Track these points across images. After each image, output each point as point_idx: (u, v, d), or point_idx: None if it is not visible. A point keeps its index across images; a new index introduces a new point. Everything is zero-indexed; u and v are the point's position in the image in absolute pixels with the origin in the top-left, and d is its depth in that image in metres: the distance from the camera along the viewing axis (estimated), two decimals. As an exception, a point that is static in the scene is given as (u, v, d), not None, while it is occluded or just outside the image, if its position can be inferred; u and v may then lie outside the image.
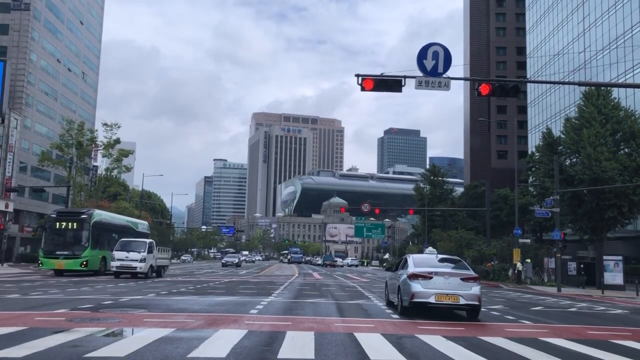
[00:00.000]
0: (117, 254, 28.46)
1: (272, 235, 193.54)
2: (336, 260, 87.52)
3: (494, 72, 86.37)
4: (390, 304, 15.84)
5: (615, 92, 42.10)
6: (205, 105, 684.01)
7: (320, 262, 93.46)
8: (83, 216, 31.44)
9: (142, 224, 42.97)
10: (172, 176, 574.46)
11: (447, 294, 12.55)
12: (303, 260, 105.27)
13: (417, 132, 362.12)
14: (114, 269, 28.62)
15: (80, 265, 30.12)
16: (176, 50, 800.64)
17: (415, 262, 13.88)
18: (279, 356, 7.52)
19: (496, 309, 16.79)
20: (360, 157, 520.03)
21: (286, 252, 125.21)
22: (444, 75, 15.50)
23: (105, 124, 47.10)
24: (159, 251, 31.87)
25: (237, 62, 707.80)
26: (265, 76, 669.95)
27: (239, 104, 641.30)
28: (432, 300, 12.54)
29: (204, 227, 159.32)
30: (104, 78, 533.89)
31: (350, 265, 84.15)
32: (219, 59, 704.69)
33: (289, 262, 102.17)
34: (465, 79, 26.79)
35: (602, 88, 39.30)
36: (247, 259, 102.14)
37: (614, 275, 32.65)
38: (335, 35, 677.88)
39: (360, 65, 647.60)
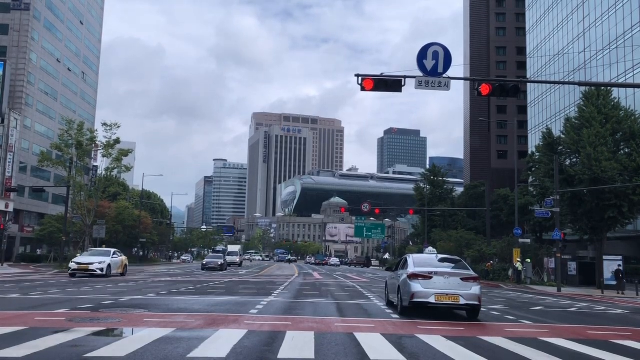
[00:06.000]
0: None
1: (272, 235, 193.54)
2: (325, 259, 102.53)
3: (494, 72, 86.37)
4: (390, 304, 15.84)
5: (615, 92, 42.08)
6: (209, 105, 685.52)
7: (313, 260, 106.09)
8: None
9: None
10: (173, 176, 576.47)
11: (447, 294, 12.55)
12: (286, 259, 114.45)
13: (417, 132, 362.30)
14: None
15: None
16: (180, 48, 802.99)
17: (415, 262, 13.88)
18: (279, 356, 7.52)
19: (496, 309, 16.79)
20: (361, 157, 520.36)
21: (252, 251, 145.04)
22: (444, 75, 15.49)
23: (105, 124, 47.09)
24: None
25: (241, 61, 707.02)
26: (269, 75, 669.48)
27: (242, 104, 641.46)
28: (432, 300, 12.54)
29: (204, 227, 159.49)
30: (109, 77, 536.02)
31: (335, 265, 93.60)
32: (223, 57, 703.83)
33: (289, 262, 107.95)
34: (465, 79, 26.80)
35: (602, 88, 39.27)
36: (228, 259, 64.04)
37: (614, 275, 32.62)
38: (341, 34, 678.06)
39: (365, 64, 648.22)
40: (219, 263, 46.71)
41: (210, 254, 61.65)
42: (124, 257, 32.36)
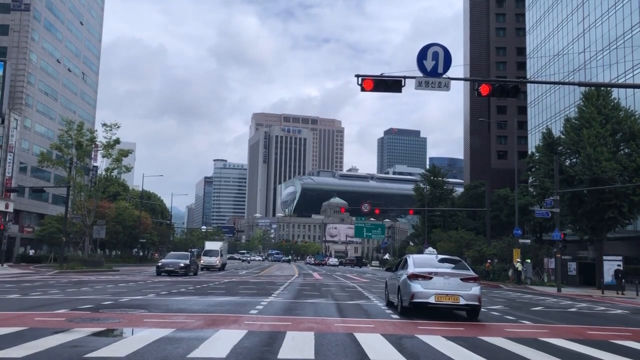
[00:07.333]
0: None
1: (272, 236, 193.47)
2: (324, 259, 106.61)
3: (494, 72, 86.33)
4: (390, 304, 15.84)
5: (615, 93, 42.07)
6: (210, 105, 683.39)
7: (313, 261, 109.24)
8: None
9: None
10: (173, 176, 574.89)
11: (447, 294, 12.55)
12: (282, 260, 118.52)
13: (417, 133, 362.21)
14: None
15: None
16: (181, 48, 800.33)
17: (415, 262, 13.88)
18: (279, 356, 7.52)
19: (496, 309, 16.79)
20: (361, 157, 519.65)
21: (244, 251, 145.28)
22: (444, 76, 15.48)
23: (105, 124, 47.10)
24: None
25: (243, 61, 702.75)
26: (270, 75, 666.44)
27: (243, 104, 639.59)
28: (432, 300, 12.54)
29: (204, 227, 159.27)
30: (109, 77, 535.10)
31: (334, 265, 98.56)
32: (224, 57, 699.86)
33: (289, 262, 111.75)
34: (465, 79, 26.80)
35: (602, 88, 39.29)
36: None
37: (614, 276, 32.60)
38: (342, 34, 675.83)
39: (366, 64, 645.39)
40: (181, 265, 33.96)
41: (171, 253, 43.39)
42: None
